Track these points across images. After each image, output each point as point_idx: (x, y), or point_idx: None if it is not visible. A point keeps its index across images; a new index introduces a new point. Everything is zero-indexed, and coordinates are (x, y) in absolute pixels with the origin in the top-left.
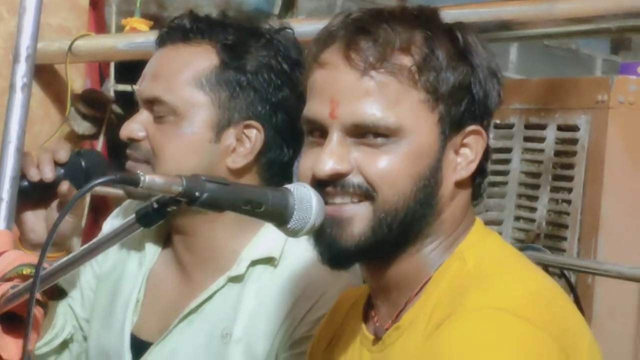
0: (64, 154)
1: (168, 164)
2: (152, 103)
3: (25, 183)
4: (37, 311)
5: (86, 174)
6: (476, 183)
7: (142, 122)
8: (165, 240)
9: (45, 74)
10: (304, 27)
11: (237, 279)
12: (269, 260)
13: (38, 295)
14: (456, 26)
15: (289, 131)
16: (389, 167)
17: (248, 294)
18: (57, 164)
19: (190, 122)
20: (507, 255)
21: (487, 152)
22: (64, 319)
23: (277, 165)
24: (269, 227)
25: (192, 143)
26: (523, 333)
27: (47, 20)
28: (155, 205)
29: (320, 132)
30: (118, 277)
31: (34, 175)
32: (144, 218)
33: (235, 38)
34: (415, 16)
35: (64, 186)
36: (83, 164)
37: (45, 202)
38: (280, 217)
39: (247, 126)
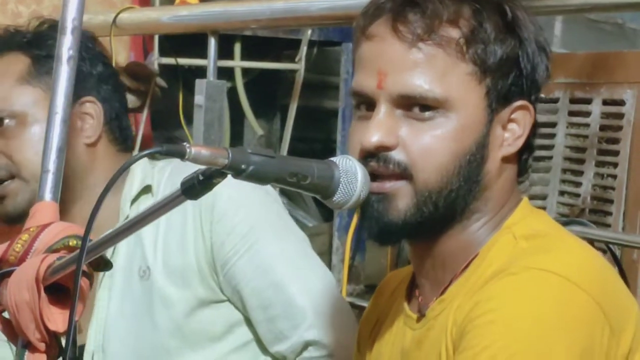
0: None
1: None
2: None
3: None
4: (82, 282)
5: None
6: (522, 159)
7: None
8: None
9: None
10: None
11: None
12: (147, 190)
13: (84, 267)
14: (505, 0)
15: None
16: (434, 144)
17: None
18: None
19: None
20: (558, 230)
21: (534, 128)
22: None
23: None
24: (133, 168)
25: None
26: (571, 295)
27: None
28: (201, 177)
29: (367, 105)
30: None
31: None
32: (190, 190)
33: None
34: None
35: None
36: None
37: None
38: (326, 189)
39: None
